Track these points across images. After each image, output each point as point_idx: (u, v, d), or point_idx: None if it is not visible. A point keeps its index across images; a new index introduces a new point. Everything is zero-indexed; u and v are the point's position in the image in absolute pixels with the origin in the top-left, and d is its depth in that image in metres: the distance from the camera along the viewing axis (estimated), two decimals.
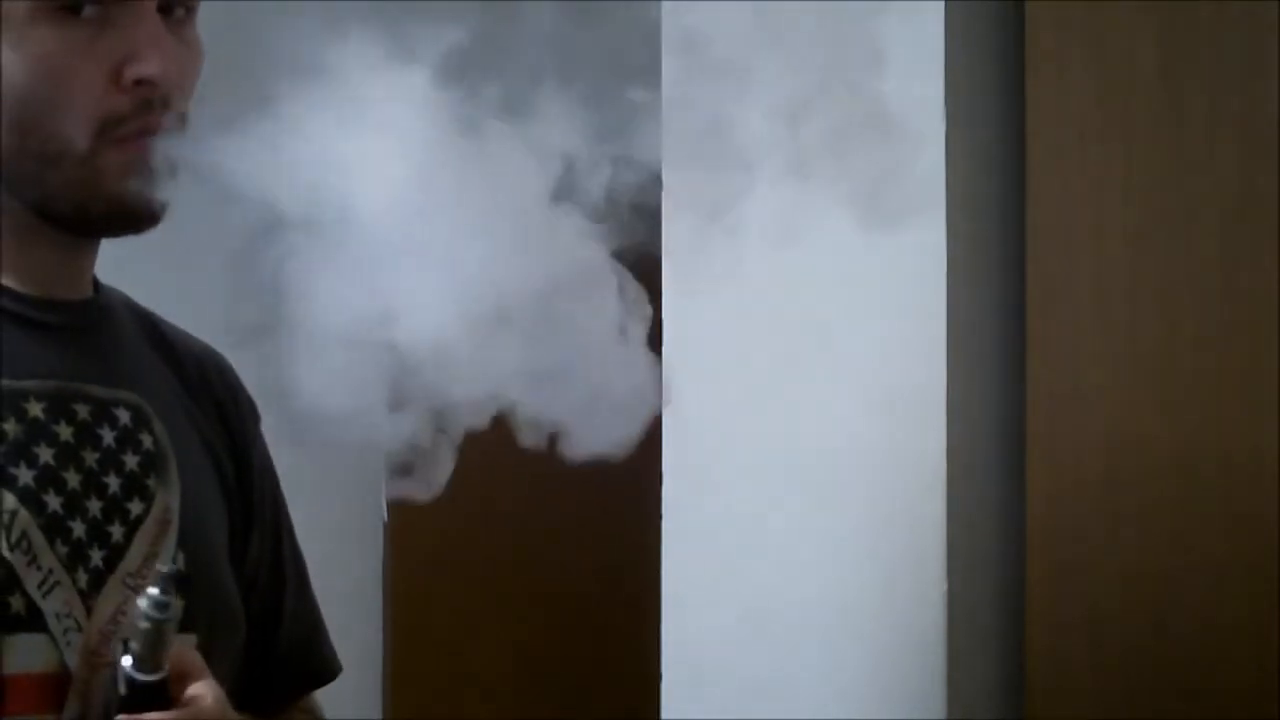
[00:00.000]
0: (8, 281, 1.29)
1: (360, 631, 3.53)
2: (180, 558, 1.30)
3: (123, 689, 1.20)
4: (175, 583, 1.20)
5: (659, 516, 2.14)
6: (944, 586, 1.93)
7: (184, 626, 1.29)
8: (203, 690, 1.22)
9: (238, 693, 1.36)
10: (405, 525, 3.96)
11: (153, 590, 1.19)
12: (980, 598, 1.97)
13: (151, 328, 1.42)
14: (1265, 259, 1.80)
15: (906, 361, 1.97)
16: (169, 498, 1.31)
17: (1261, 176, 1.81)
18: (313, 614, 1.52)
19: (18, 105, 1.26)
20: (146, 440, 1.31)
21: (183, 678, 1.22)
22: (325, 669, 1.52)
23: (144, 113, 1.26)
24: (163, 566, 1.20)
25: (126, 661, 1.19)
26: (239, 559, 1.41)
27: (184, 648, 1.25)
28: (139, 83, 1.26)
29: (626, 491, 3.65)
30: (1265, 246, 1.80)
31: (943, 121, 1.95)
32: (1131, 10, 1.89)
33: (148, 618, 1.18)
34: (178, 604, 1.19)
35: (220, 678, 1.28)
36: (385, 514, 3.94)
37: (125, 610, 1.26)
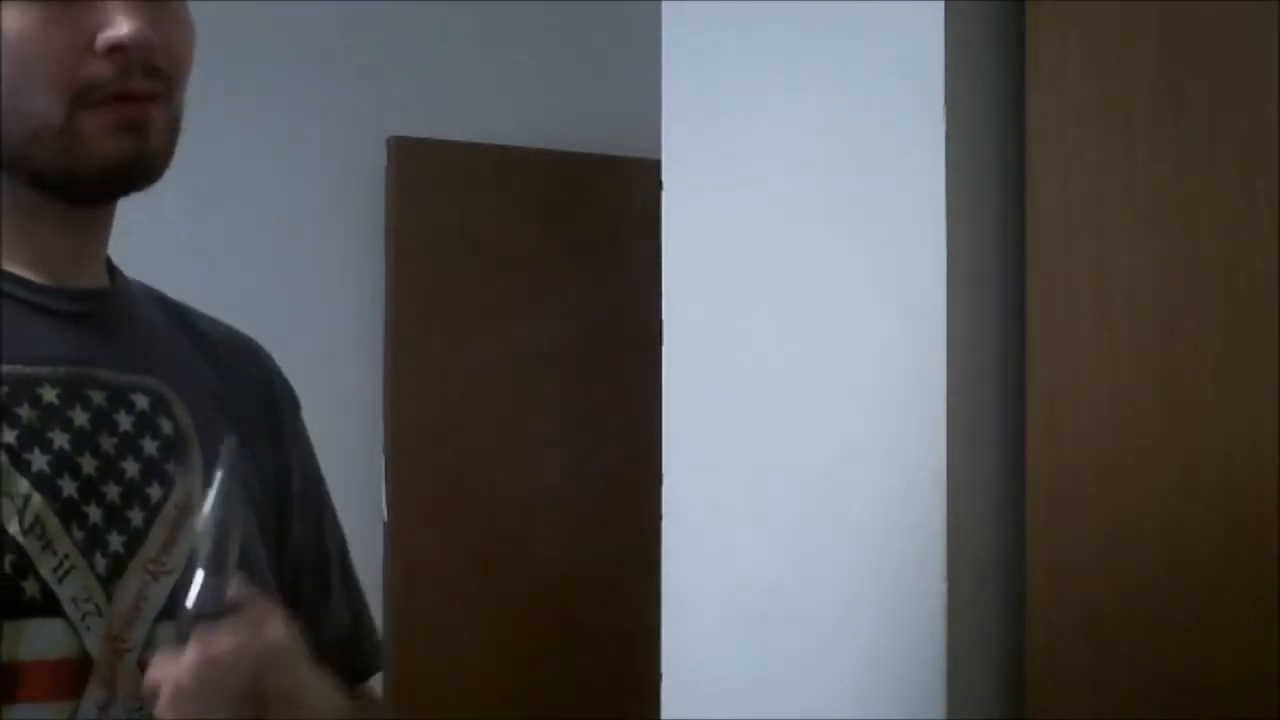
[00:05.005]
0: (19, 270, 1.30)
1: None
2: None
3: (191, 601, 1.19)
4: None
5: (659, 516, 2.14)
6: (944, 586, 1.93)
7: None
8: (275, 621, 1.23)
9: None
10: (405, 525, 3.96)
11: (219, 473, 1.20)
12: (980, 598, 1.97)
13: (180, 316, 1.42)
14: (1265, 259, 1.80)
15: (906, 361, 1.97)
16: (191, 483, 1.31)
17: (1261, 176, 1.81)
18: (358, 602, 1.51)
19: None
20: (166, 426, 1.31)
21: (257, 621, 1.22)
22: (373, 658, 1.52)
23: (123, 78, 1.26)
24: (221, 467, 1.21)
25: (198, 571, 1.19)
26: (280, 546, 1.41)
27: (265, 596, 1.25)
28: (114, 50, 1.26)
29: (627, 492, 3.66)
30: (1265, 246, 1.80)
31: (943, 122, 1.95)
32: (1131, 10, 1.89)
33: (214, 505, 1.19)
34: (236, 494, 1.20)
35: None
36: (385, 514, 3.94)
37: (147, 596, 1.25)
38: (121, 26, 1.26)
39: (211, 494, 1.19)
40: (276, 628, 1.23)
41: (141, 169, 1.28)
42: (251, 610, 1.22)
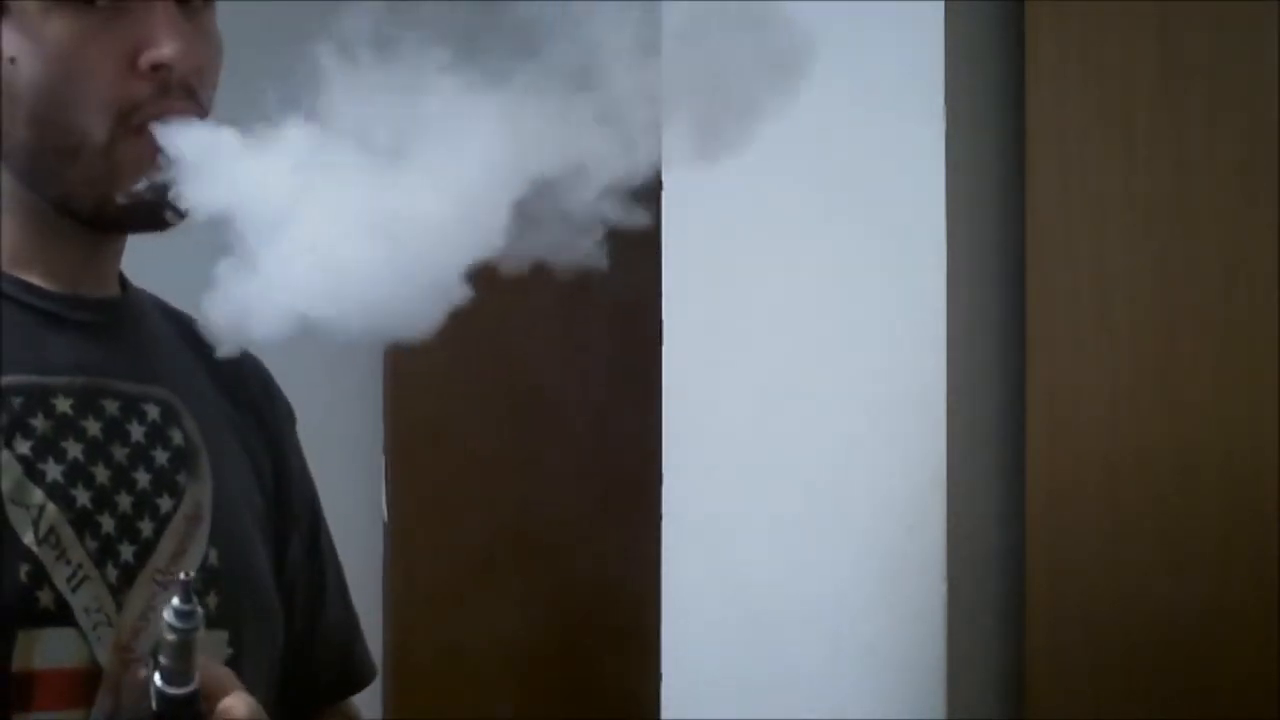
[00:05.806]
0: (34, 279, 1.29)
1: None
2: (212, 553, 1.30)
3: (154, 705, 1.17)
4: (201, 588, 1.18)
5: (659, 516, 2.14)
6: (944, 586, 1.93)
7: (215, 623, 1.28)
8: (235, 704, 1.19)
9: (275, 696, 1.36)
10: (405, 525, 3.96)
11: (175, 601, 1.15)
12: (980, 598, 1.97)
13: (185, 328, 1.42)
14: (1265, 259, 1.80)
15: (906, 361, 1.97)
16: (199, 494, 1.31)
17: (1261, 176, 1.81)
18: (350, 616, 1.51)
19: (35, 98, 1.25)
20: (176, 436, 1.31)
21: (214, 693, 1.19)
22: (362, 672, 1.52)
23: (162, 98, 1.26)
24: (182, 574, 1.17)
25: (156, 677, 1.16)
26: (278, 560, 1.40)
27: (215, 663, 1.23)
28: (155, 68, 1.25)
29: (627, 492, 3.66)
30: (1265, 246, 1.80)
31: (943, 121, 1.95)
32: (1131, 11, 1.89)
33: (173, 629, 1.15)
34: (201, 612, 1.16)
35: (256, 679, 1.28)
36: (385, 514, 3.94)
37: (155, 606, 1.25)
38: (164, 45, 1.25)
39: (168, 614, 1.16)
40: (237, 714, 1.20)
41: (167, 211, 1.28)
42: (210, 701, 1.19)
